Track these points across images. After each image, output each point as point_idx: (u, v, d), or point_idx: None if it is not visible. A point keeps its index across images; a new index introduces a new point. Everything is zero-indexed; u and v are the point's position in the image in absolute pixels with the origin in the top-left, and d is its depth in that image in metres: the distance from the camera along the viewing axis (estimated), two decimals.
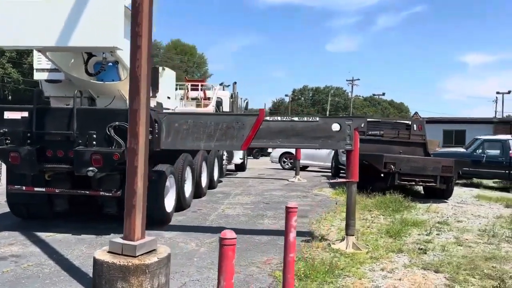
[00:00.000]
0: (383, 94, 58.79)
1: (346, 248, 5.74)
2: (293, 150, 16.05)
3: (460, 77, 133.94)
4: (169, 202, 7.07)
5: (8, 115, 6.03)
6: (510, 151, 13.75)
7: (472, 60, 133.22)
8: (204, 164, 9.83)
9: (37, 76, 7.31)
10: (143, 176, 3.64)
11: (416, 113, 35.39)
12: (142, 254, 3.53)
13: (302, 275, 4.60)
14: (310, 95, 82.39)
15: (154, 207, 6.59)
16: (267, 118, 6.01)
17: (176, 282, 4.45)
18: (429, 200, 10.15)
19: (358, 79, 69.06)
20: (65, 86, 7.13)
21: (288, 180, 14.12)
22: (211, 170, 10.71)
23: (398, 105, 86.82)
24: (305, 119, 6.09)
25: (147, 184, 3.72)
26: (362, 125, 12.19)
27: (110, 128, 5.79)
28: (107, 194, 6.12)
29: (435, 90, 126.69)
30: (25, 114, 5.99)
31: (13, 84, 41.83)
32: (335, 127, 5.95)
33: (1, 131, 5.92)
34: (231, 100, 14.12)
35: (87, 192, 6.25)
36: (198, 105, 12.42)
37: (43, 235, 6.09)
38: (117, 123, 5.76)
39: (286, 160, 19.03)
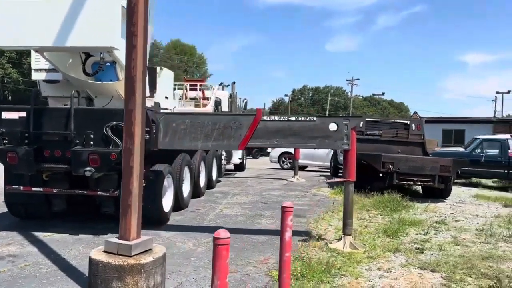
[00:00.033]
0: (383, 93, 58.87)
1: (343, 247, 5.75)
2: (292, 150, 16.05)
3: (460, 77, 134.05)
4: (167, 202, 7.07)
5: (5, 115, 6.04)
6: (509, 151, 13.76)
7: (472, 59, 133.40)
8: (202, 164, 9.84)
9: (35, 76, 7.32)
10: (138, 176, 3.64)
11: (415, 112, 35.39)
12: (137, 254, 3.54)
13: (299, 275, 4.61)
14: (310, 95, 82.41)
15: (152, 207, 6.61)
16: (264, 118, 6.02)
17: (173, 281, 4.46)
18: (427, 200, 10.16)
19: (358, 79, 69.21)
20: (63, 86, 7.14)
21: (287, 180, 14.13)
22: (209, 170, 10.71)
23: (398, 104, 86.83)
24: (302, 118, 6.10)
25: (142, 184, 3.73)
26: (361, 125, 12.28)
27: (107, 128, 5.80)
28: (105, 194, 6.13)
29: (435, 90, 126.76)
30: (23, 114, 6.00)
31: (13, 85, 41.84)
32: (332, 126, 5.96)
33: None
34: (230, 100, 14.14)
35: (85, 192, 6.25)
36: (196, 105, 12.43)
37: (40, 235, 6.10)
38: (114, 123, 5.76)
39: (285, 160, 19.04)
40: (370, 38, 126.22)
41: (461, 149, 15.78)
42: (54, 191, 6.27)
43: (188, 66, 59.89)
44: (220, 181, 12.70)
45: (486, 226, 7.41)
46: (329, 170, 16.76)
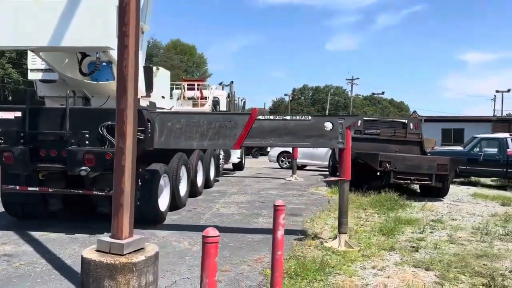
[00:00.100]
0: (383, 93, 58.80)
1: (339, 246, 5.76)
2: (291, 149, 16.08)
3: (460, 76, 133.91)
4: (163, 201, 7.09)
5: (1, 115, 6.06)
6: (508, 150, 13.75)
7: (472, 58, 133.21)
8: (199, 163, 9.85)
9: (31, 76, 7.33)
10: (130, 175, 3.65)
11: (414, 111, 35.36)
12: (129, 253, 3.54)
13: (293, 273, 4.62)
14: (310, 94, 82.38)
15: (148, 206, 6.64)
16: (260, 117, 6.03)
17: (167, 280, 4.48)
18: (424, 199, 10.16)
19: (358, 78, 69.11)
20: (60, 86, 7.15)
21: (285, 179, 14.14)
22: (207, 169, 10.72)
23: (398, 104, 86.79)
24: (297, 118, 6.10)
25: (134, 183, 3.74)
26: (359, 124, 12.30)
27: (102, 128, 5.82)
28: (100, 193, 6.15)
29: (435, 89, 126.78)
30: (18, 114, 6.02)
31: (13, 85, 41.87)
32: (327, 125, 5.96)
33: None
34: (228, 99, 14.15)
35: (80, 192, 6.27)
36: (194, 105, 12.45)
37: (36, 234, 6.12)
38: (109, 122, 5.78)
39: (284, 159, 19.07)
40: (370, 38, 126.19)
41: (460, 148, 15.77)
42: (50, 190, 6.29)
43: (188, 66, 59.85)
44: (218, 180, 12.71)
45: (482, 224, 7.42)
46: (327, 170, 16.77)
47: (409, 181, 10.04)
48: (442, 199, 10.51)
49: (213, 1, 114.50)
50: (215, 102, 13.44)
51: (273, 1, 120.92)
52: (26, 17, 5.85)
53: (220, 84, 15.98)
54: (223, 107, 13.92)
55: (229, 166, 16.42)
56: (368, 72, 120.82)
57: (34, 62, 7.16)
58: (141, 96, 7.20)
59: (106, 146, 5.82)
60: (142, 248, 3.69)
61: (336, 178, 6.30)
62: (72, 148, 5.82)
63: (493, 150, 14.10)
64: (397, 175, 9.75)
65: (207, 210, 8.37)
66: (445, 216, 8.23)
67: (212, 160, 11.39)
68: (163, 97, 8.61)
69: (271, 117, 6.20)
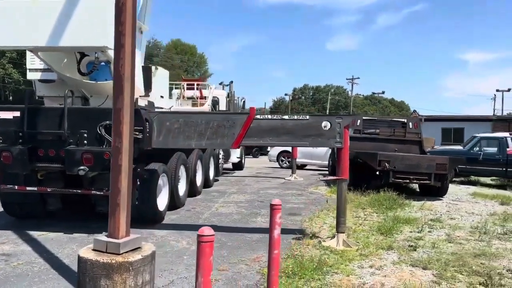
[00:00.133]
0: (383, 92, 58.64)
1: (337, 245, 5.76)
2: (290, 149, 16.08)
3: (460, 75, 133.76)
4: (162, 201, 7.10)
5: (0, 114, 6.06)
6: (508, 149, 13.73)
7: (473, 58, 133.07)
8: (199, 163, 9.86)
9: (30, 76, 7.34)
10: (127, 175, 3.66)
11: (414, 111, 35.32)
12: (126, 252, 3.54)
13: (290, 273, 4.62)
14: (311, 94, 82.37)
15: (146, 205, 6.65)
16: (258, 116, 6.03)
17: (164, 279, 4.49)
18: (424, 198, 10.15)
19: (358, 78, 69.10)
20: (59, 86, 7.16)
21: (284, 179, 14.15)
22: (206, 169, 10.73)
23: (399, 103, 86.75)
24: (295, 117, 6.11)
25: (131, 183, 3.74)
26: (358, 123, 12.30)
27: (100, 127, 5.82)
28: (99, 193, 6.16)
29: (436, 88, 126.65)
30: (17, 114, 6.03)
31: (13, 85, 41.89)
32: (325, 125, 5.96)
33: None
34: (227, 99, 14.15)
35: (79, 191, 6.28)
36: (194, 104, 12.45)
37: (35, 234, 6.13)
38: (107, 122, 5.78)
39: (284, 159, 19.07)
40: (370, 37, 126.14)
41: (460, 148, 15.76)
42: (49, 190, 6.30)
43: (189, 65, 59.86)
44: (217, 180, 12.72)
45: (481, 224, 7.41)
46: (327, 169, 16.76)
47: (408, 181, 10.04)
48: (441, 198, 10.51)
49: (213, 1, 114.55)
50: (215, 102, 13.45)
51: (273, 0, 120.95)
52: (24, 17, 5.87)
53: (221, 83, 16.01)
54: (222, 106, 13.93)
55: (229, 165, 16.44)
56: (369, 71, 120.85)
57: (33, 62, 7.17)
58: (140, 96, 7.21)
59: (104, 146, 5.83)
60: (139, 248, 3.70)
61: (334, 178, 6.30)
62: (70, 147, 5.83)
63: (493, 150, 14.09)
64: (396, 175, 9.75)
65: (206, 209, 8.38)
66: (444, 215, 8.23)
67: (212, 159, 11.40)
68: (162, 96, 8.62)
69: (269, 116, 6.21)
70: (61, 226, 6.54)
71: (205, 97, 12.82)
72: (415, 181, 10.05)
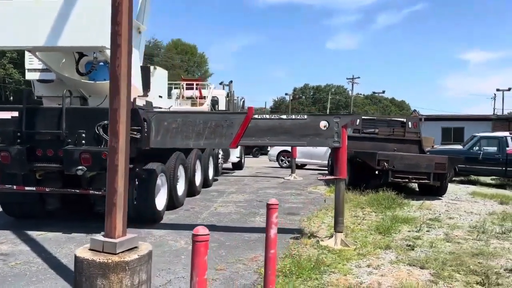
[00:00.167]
0: (383, 92, 58.57)
1: (335, 245, 5.76)
2: (290, 148, 16.08)
3: (461, 75, 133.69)
4: (160, 201, 7.11)
5: None
6: (508, 148, 13.72)
7: (474, 57, 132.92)
8: (198, 163, 9.87)
9: (29, 76, 7.34)
10: (123, 175, 3.66)
11: (415, 110, 35.30)
12: (122, 252, 3.55)
13: (288, 272, 4.63)
14: (311, 93, 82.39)
15: (145, 205, 6.66)
16: (256, 116, 6.03)
17: (162, 279, 4.49)
18: (423, 197, 10.14)
19: (359, 77, 69.01)
20: (57, 86, 7.16)
21: (284, 178, 14.15)
22: (205, 169, 10.74)
23: (399, 103, 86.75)
24: (293, 117, 6.11)
25: (127, 183, 3.75)
26: (357, 123, 12.29)
27: (98, 127, 5.83)
28: (97, 192, 6.16)
29: (436, 88, 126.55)
30: (15, 114, 6.04)
31: (14, 85, 41.92)
32: (323, 124, 5.96)
33: None
34: (227, 99, 14.16)
35: (77, 191, 6.29)
36: (193, 104, 12.45)
37: (34, 233, 6.15)
38: (105, 122, 5.78)
39: (284, 159, 19.08)
40: (370, 37, 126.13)
41: (460, 147, 15.75)
42: (47, 190, 6.32)
43: (189, 65, 59.86)
44: (217, 179, 12.73)
45: (479, 223, 7.40)
46: (327, 169, 16.76)
47: (407, 180, 10.03)
48: (440, 197, 10.50)
49: (213, 1, 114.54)
50: (214, 102, 13.46)
51: (273, 0, 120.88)
52: (22, 17, 5.87)
53: (221, 83, 16.04)
54: (222, 106, 13.93)
55: (229, 165, 16.45)
56: (369, 71, 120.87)
57: (31, 62, 7.18)
58: (138, 96, 7.22)
59: (102, 146, 5.83)
60: (135, 247, 3.70)
61: (332, 177, 6.30)
62: (68, 147, 5.84)
63: (493, 149, 14.07)
64: (395, 174, 9.75)
65: (204, 209, 8.39)
66: (443, 215, 8.22)
67: (211, 159, 11.40)
68: (160, 96, 8.63)
69: (267, 116, 6.21)
70: (60, 226, 6.56)
71: (205, 97, 12.82)
72: (414, 180, 10.05)
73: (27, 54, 7.18)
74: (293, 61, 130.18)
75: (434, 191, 10.51)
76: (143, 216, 6.72)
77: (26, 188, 6.26)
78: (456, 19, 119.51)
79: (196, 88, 12.87)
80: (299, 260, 4.97)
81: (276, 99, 79.61)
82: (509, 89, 46.22)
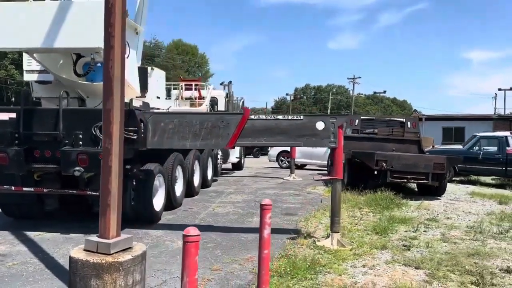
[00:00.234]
0: (384, 92, 58.48)
1: (331, 245, 5.77)
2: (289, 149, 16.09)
3: (463, 74, 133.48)
4: (158, 201, 7.13)
5: None
6: (508, 148, 13.69)
7: (476, 56, 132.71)
8: (196, 163, 9.89)
9: (27, 77, 7.38)
10: (117, 176, 3.68)
11: (415, 110, 35.25)
12: (116, 252, 3.57)
13: (283, 272, 4.64)
14: (312, 93, 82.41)
15: (142, 206, 6.69)
16: (252, 116, 6.06)
17: (157, 279, 4.51)
18: (421, 198, 10.15)
19: (360, 77, 68.93)
20: (56, 87, 7.19)
21: (283, 179, 14.17)
22: (204, 169, 10.76)
23: (401, 102, 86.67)
24: (289, 117, 6.13)
25: (121, 184, 3.77)
26: (356, 123, 12.29)
27: (95, 128, 5.86)
28: (94, 193, 6.17)
29: (438, 87, 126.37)
30: (13, 115, 6.07)
31: (16, 86, 42.05)
32: (320, 125, 5.98)
33: None
34: (226, 99, 14.19)
35: (74, 192, 6.32)
36: (192, 105, 12.47)
37: (32, 234, 6.18)
38: (102, 123, 5.80)
39: (283, 159, 19.11)
40: (372, 36, 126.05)
41: (460, 147, 15.72)
42: (45, 191, 6.35)
43: (190, 66, 59.94)
44: (216, 180, 12.75)
45: (477, 223, 7.40)
46: (327, 169, 16.78)
47: (405, 180, 10.03)
48: (439, 197, 10.50)
49: (214, 1, 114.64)
50: (213, 102, 13.48)
51: (275, 0, 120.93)
52: (19, 18, 5.91)
53: (221, 84, 16.06)
54: (221, 107, 13.96)
55: (228, 166, 16.47)
56: (371, 71, 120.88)
57: (29, 63, 7.21)
58: (136, 97, 7.25)
59: (99, 147, 5.86)
60: (129, 248, 3.72)
61: (328, 177, 6.31)
62: (65, 148, 5.87)
63: (493, 149, 14.04)
64: (393, 174, 9.75)
65: (203, 209, 8.41)
66: (441, 215, 8.22)
67: (210, 160, 11.43)
68: (158, 97, 8.65)
69: (264, 116, 6.24)
70: (58, 227, 6.59)
71: (204, 97, 12.85)
72: (412, 180, 10.04)
73: (25, 55, 7.22)
74: (295, 61, 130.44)
75: (433, 191, 10.51)
76: (140, 216, 6.75)
77: (24, 189, 6.29)
78: (459, 18, 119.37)
79: (195, 89, 12.90)
80: (294, 260, 4.99)
81: (277, 99, 79.71)
82: (510, 89, 46.08)
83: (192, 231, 2.75)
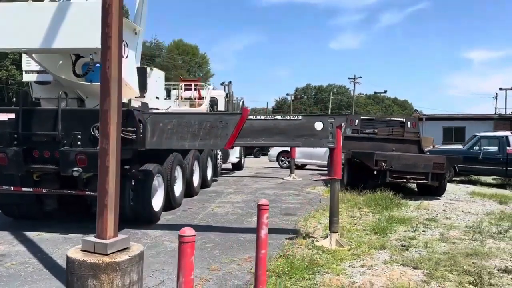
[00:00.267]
0: (385, 92, 58.39)
1: (329, 245, 5.77)
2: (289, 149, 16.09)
3: (464, 74, 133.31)
4: (157, 202, 7.14)
5: None
6: (508, 148, 13.67)
7: (477, 56, 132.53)
8: (196, 164, 9.89)
9: (26, 78, 7.40)
10: (114, 176, 3.69)
11: (415, 110, 35.21)
12: (114, 252, 3.58)
13: (281, 272, 4.65)
14: (313, 93, 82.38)
15: (141, 206, 6.70)
16: (250, 117, 6.06)
17: (155, 279, 4.52)
18: (421, 198, 10.13)
19: (360, 77, 68.81)
20: (55, 87, 7.20)
21: (283, 179, 14.17)
22: (204, 169, 10.76)
23: (402, 102, 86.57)
24: (288, 117, 6.13)
25: (119, 184, 3.77)
26: (356, 123, 12.28)
27: (94, 128, 5.86)
28: (93, 194, 6.17)
29: (439, 87, 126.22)
30: (12, 115, 6.09)
31: (17, 86, 42.10)
32: (318, 125, 5.98)
33: None
34: (226, 99, 14.19)
35: (73, 192, 6.33)
36: (192, 105, 12.48)
37: (31, 234, 6.19)
38: None
39: (283, 159, 19.10)
40: (373, 36, 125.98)
41: (460, 147, 15.70)
42: (44, 191, 6.36)
43: (191, 66, 59.94)
44: (216, 180, 12.75)
45: (476, 223, 7.39)
46: (326, 169, 16.78)
47: (405, 180, 10.02)
48: (439, 197, 10.48)
49: (215, 0, 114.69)
50: (213, 102, 13.48)
51: (276, 0, 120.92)
52: (18, 19, 5.93)
53: (222, 84, 16.06)
54: (221, 107, 13.96)
55: (229, 166, 16.47)
56: (371, 71, 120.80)
57: (28, 64, 7.23)
58: (135, 97, 7.26)
59: (98, 147, 5.86)
60: (126, 248, 3.73)
61: (327, 177, 6.32)
62: (64, 149, 5.88)
63: (493, 149, 14.03)
64: (393, 174, 9.74)
65: (202, 210, 8.42)
66: (440, 215, 8.21)
67: (210, 160, 11.43)
68: (157, 97, 8.66)
69: (262, 117, 6.24)
70: (57, 227, 6.60)
71: (203, 97, 12.85)
72: (412, 180, 10.03)
73: (24, 56, 7.24)
74: (295, 61, 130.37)
75: (432, 191, 10.50)
76: (139, 216, 6.76)
77: (23, 189, 6.30)
78: (459, 18, 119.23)
79: (195, 89, 12.91)
80: (292, 260, 4.99)
81: (278, 99, 79.70)
82: (511, 88, 45.97)
83: (188, 231, 2.76)
